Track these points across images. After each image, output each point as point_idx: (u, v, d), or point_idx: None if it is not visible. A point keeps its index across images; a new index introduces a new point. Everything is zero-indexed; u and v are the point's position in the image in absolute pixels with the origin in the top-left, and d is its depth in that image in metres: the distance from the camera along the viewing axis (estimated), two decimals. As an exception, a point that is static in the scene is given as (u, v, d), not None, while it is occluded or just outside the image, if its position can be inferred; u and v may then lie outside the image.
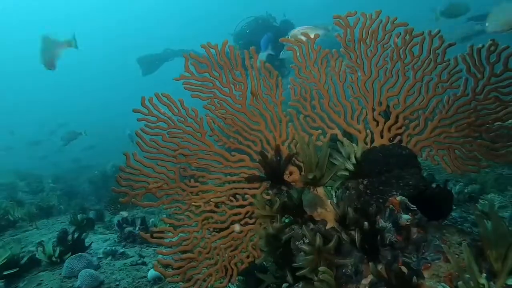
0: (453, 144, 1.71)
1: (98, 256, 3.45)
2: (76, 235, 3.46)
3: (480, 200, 3.95)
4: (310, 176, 1.59)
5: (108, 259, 3.38)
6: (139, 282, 2.77)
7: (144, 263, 3.23)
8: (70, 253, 3.14)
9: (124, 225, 4.02)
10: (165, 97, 1.76)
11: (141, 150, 1.76)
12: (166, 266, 1.76)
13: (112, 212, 5.23)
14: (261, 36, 4.43)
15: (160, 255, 1.84)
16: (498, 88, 1.63)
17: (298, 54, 1.78)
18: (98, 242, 3.96)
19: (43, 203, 6.31)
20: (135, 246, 3.73)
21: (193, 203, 1.78)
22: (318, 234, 1.49)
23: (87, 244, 3.56)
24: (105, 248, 3.51)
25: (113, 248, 3.52)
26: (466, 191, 4.08)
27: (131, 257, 3.41)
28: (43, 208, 6.03)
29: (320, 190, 1.71)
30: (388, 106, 1.77)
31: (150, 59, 7.43)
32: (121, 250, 3.51)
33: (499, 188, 4.40)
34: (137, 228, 3.97)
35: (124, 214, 4.33)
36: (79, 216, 4.53)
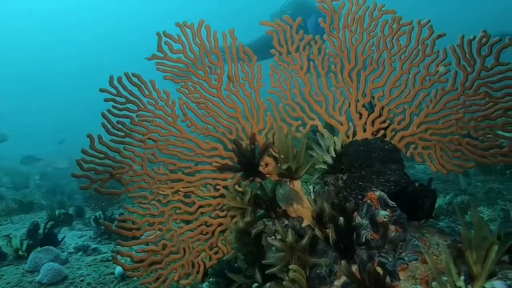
0: (439, 141, 1.61)
1: (69, 251, 3.30)
2: (47, 229, 3.30)
3: (469, 212, 3.87)
4: (284, 167, 1.48)
5: (78, 254, 3.23)
6: (105, 278, 2.63)
7: (115, 260, 3.07)
8: (39, 247, 2.99)
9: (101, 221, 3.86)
10: (135, 77, 1.64)
11: (107, 133, 1.64)
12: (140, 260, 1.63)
13: (93, 209, 5.06)
14: (304, 17, 4.08)
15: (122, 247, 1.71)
16: (489, 83, 1.53)
17: (279, 38, 1.68)
18: (74, 238, 3.80)
19: (24, 199, 6.13)
20: (111, 243, 3.58)
21: (160, 192, 1.66)
22: (290, 229, 1.37)
23: (60, 239, 3.40)
24: (76, 243, 3.36)
25: (86, 243, 3.37)
26: (455, 201, 3.99)
27: (104, 253, 3.27)
28: (24, 203, 5.85)
29: (297, 184, 1.60)
30: (372, 98, 1.67)
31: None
32: (94, 246, 3.36)
33: (489, 202, 4.32)
34: (114, 225, 3.81)
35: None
36: (57, 211, 4.36)
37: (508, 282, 0.97)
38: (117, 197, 4.75)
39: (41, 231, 3.35)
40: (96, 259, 3.09)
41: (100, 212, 4.26)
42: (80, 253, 3.25)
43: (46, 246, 2.94)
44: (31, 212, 5.66)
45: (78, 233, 4.04)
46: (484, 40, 1.50)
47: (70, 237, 3.82)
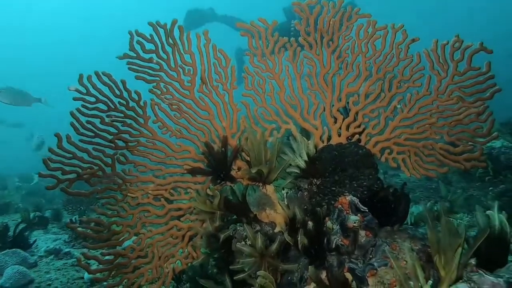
0: (413, 146, 1.60)
1: (39, 254, 3.20)
2: (18, 232, 3.19)
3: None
4: (254, 170, 1.45)
5: (49, 258, 3.13)
6: (74, 282, 2.55)
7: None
8: (8, 250, 2.89)
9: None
10: (106, 76, 1.60)
11: (75, 132, 1.59)
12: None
13: (71, 212, 4.93)
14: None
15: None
16: (462, 88, 1.53)
17: (253, 40, 1.66)
18: (47, 241, 3.69)
19: (-1, 200, 5.95)
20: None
21: (129, 194, 1.61)
22: (259, 234, 1.34)
23: (31, 242, 3.30)
24: (48, 247, 3.26)
25: (58, 247, 3.27)
26: (434, 208, 4.02)
27: (76, 257, 3.18)
28: (-3, 205, 5.67)
29: (270, 189, 1.57)
30: (347, 103, 1.65)
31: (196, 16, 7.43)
32: (66, 250, 3.26)
33: (469, 209, 4.37)
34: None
35: None
36: (31, 214, 4.23)
37: (472, 285, 0.96)
38: (97, 202, 4.64)
39: (11, 233, 3.23)
40: (66, 263, 3.00)
41: (77, 216, 4.15)
42: (51, 256, 3.15)
43: (13, 249, 2.84)
44: (5, 214, 5.49)
45: (53, 237, 3.93)
46: (457, 44, 1.50)
47: (44, 240, 3.71)
